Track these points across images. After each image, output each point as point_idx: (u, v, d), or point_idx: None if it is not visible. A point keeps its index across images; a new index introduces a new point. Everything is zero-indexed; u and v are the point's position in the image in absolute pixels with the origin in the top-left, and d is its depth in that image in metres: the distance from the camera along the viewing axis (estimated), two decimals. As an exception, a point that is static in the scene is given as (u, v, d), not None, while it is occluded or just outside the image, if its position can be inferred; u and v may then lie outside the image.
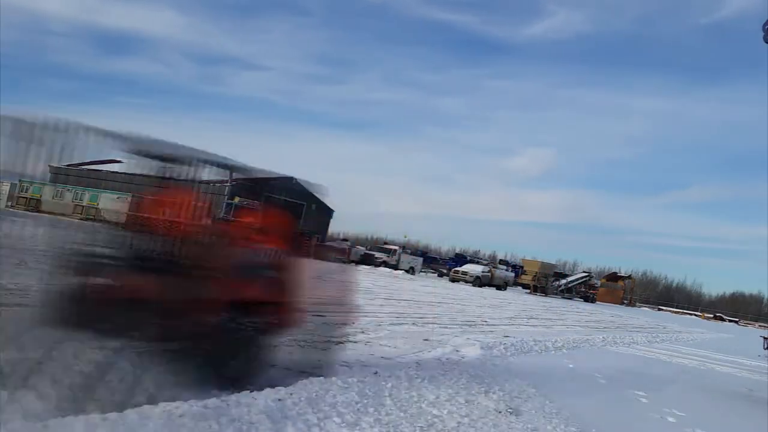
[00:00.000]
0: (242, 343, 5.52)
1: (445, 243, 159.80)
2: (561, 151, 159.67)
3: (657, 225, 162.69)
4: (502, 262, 66.07)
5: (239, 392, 4.91)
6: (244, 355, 5.56)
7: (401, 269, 47.17)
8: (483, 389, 7.01)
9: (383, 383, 6.22)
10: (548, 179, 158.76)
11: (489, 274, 49.81)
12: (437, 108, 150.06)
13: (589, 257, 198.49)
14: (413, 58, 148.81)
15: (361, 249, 52.33)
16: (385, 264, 47.11)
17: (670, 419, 7.48)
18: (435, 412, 5.68)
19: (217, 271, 5.22)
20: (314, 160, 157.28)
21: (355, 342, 9.33)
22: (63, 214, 47.65)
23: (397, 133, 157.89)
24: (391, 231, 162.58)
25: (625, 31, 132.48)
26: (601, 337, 17.93)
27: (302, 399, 5.12)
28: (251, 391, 4.98)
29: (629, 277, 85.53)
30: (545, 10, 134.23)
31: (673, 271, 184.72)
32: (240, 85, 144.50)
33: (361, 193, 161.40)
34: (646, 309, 75.82)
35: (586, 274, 69.37)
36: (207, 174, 5.60)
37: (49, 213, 48.41)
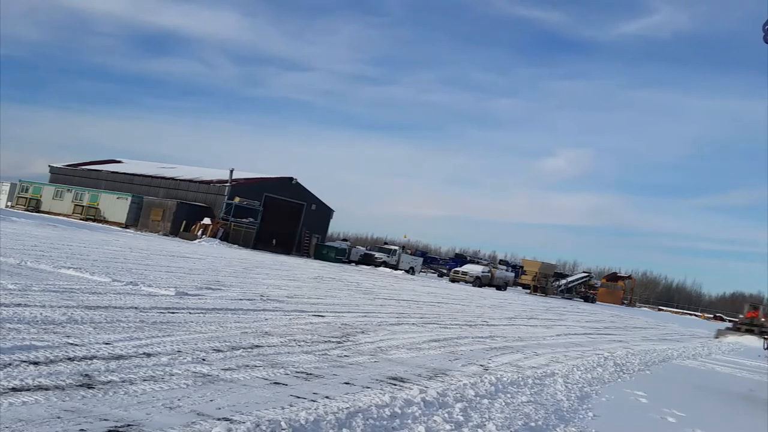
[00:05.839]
0: None
1: (445, 243, 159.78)
2: (601, 153, 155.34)
3: (687, 228, 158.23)
4: (502, 262, 66.07)
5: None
6: None
7: (401, 269, 47.17)
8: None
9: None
10: (581, 181, 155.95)
11: (489, 274, 49.80)
12: (487, 110, 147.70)
13: (601, 259, 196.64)
14: (479, 57, 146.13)
15: (362, 249, 52.35)
16: (385, 264, 47.11)
17: (670, 419, 7.47)
18: None
19: None
20: (341, 162, 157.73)
21: (354, 343, 9.32)
22: (63, 214, 47.63)
23: (435, 135, 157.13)
24: (399, 232, 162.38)
25: (730, 30, 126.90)
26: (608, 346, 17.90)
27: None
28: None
29: (629, 277, 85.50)
30: (647, 8, 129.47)
31: (675, 271, 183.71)
32: (280, 87, 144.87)
33: (382, 195, 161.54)
34: (646, 309, 75.82)
35: (586, 274, 69.35)
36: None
37: (49, 213, 48.38)
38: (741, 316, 32.87)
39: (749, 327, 30.06)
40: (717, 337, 28.95)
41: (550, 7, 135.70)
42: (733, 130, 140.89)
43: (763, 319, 31.04)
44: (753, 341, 27.07)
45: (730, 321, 40.96)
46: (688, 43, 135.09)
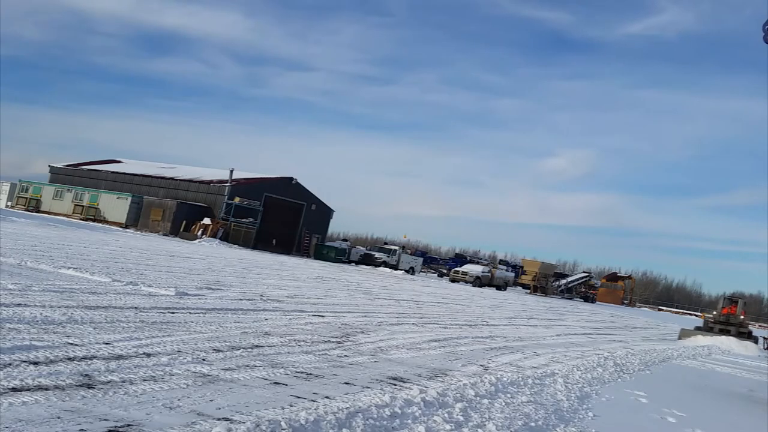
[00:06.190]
0: None
1: (445, 243, 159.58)
2: (603, 153, 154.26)
3: (687, 228, 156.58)
4: (502, 262, 66.01)
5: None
6: None
7: (401, 269, 47.16)
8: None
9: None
10: (581, 182, 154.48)
11: (489, 274, 49.78)
12: (489, 110, 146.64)
13: (601, 259, 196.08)
14: (481, 57, 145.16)
15: (362, 249, 52.33)
16: (385, 264, 47.09)
17: (670, 419, 7.47)
18: None
19: None
20: (341, 162, 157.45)
21: (354, 343, 9.32)
22: (63, 214, 47.63)
23: (436, 135, 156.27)
24: (399, 232, 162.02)
25: (735, 31, 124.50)
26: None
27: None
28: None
29: (629, 277, 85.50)
30: (652, 8, 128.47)
31: (675, 271, 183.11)
32: (282, 87, 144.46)
33: (382, 195, 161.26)
34: (646, 309, 75.82)
35: (586, 274, 69.33)
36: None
37: (49, 213, 48.38)
38: (714, 312, 25.68)
39: (724, 326, 23.78)
40: (681, 338, 23.21)
41: (554, 7, 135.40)
42: (736, 130, 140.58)
43: (742, 317, 24.70)
44: (727, 343, 22.08)
45: (699, 317, 33.81)
46: (693, 43, 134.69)
